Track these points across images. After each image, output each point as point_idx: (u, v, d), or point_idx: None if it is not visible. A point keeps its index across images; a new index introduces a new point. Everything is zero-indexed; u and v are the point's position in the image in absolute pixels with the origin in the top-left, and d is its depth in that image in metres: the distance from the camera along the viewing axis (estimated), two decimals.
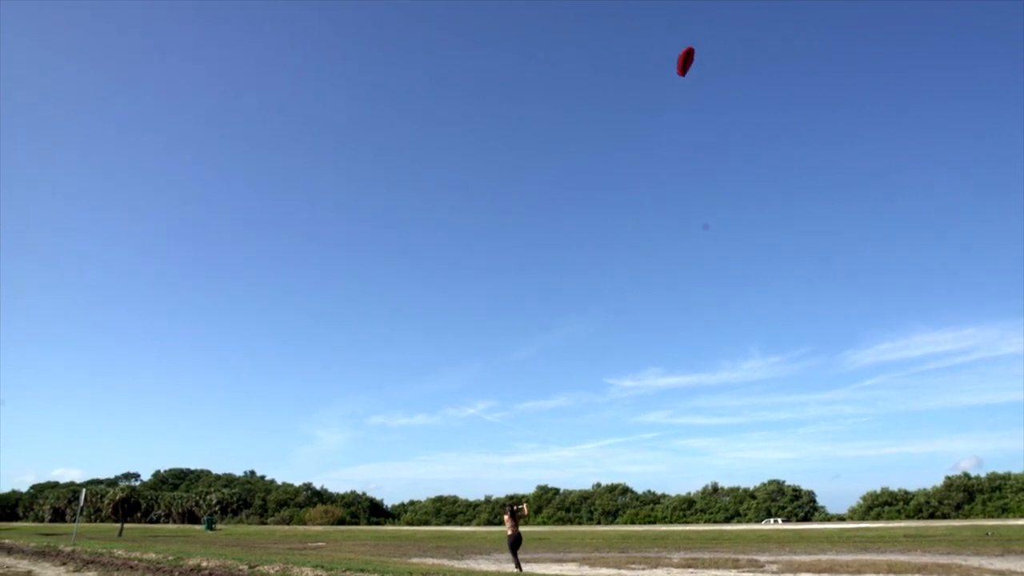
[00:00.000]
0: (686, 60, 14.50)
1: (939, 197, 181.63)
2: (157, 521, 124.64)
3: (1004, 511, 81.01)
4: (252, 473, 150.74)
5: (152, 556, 26.06)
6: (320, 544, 47.28)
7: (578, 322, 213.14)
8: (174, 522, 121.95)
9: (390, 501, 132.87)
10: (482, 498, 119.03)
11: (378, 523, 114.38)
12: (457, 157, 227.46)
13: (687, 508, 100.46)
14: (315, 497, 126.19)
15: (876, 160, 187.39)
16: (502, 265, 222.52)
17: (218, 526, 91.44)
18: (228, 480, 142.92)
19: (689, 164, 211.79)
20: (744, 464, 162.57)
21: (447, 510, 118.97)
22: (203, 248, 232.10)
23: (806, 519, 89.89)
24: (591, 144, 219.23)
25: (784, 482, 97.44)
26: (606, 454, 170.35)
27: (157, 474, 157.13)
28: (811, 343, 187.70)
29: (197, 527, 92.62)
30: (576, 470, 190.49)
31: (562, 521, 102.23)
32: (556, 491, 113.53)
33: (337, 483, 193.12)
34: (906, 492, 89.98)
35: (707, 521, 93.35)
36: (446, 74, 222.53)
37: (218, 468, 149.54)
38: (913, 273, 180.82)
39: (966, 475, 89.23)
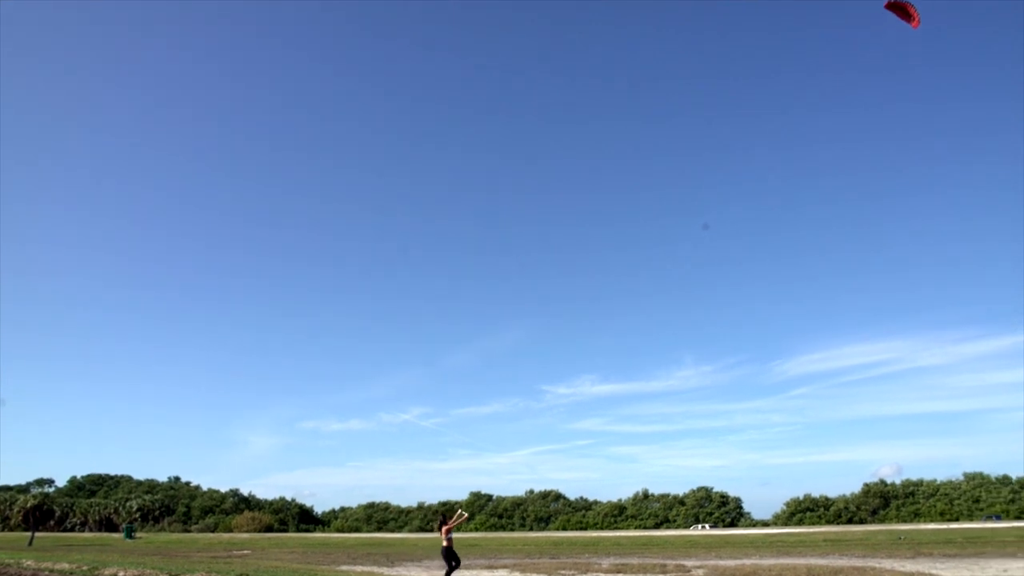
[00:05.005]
0: (902, 10, 13.43)
1: (866, 216, 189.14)
2: (72, 529, 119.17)
3: (916, 516, 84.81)
4: (176, 479, 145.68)
5: (65, 566, 24.98)
6: (246, 552, 46.10)
7: (515, 329, 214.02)
8: (91, 530, 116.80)
9: (322, 508, 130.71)
10: (415, 504, 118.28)
11: (308, 530, 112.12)
12: (395, 162, 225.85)
13: (618, 514, 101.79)
14: (242, 504, 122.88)
15: (805, 174, 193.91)
16: (438, 271, 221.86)
17: (138, 534, 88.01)
18: (150, 486, 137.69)
19: (627, 174, 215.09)
20: (675, 471, 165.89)
21: (379, 516, 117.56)
22: (124, 246, 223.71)
23: (733, 524, 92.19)
24: (529, 152, 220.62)
25: (712, 489, 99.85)
26: (540, 461, 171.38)
27: (73, 480, 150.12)
28: (743, 353, 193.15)
29: (115, 535, 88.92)
30: (510, 477, 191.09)
31: (495, 527, 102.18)
32: (489, 497, 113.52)
33: (267, 489, 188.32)
34: (827, 498, 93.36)
35: (637, 527, 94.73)
36: (396, 79, 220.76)
37: (140, 474, 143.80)
38: (841, 286, 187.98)
39: (882, 482, 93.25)
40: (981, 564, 24.46)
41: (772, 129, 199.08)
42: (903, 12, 13.54)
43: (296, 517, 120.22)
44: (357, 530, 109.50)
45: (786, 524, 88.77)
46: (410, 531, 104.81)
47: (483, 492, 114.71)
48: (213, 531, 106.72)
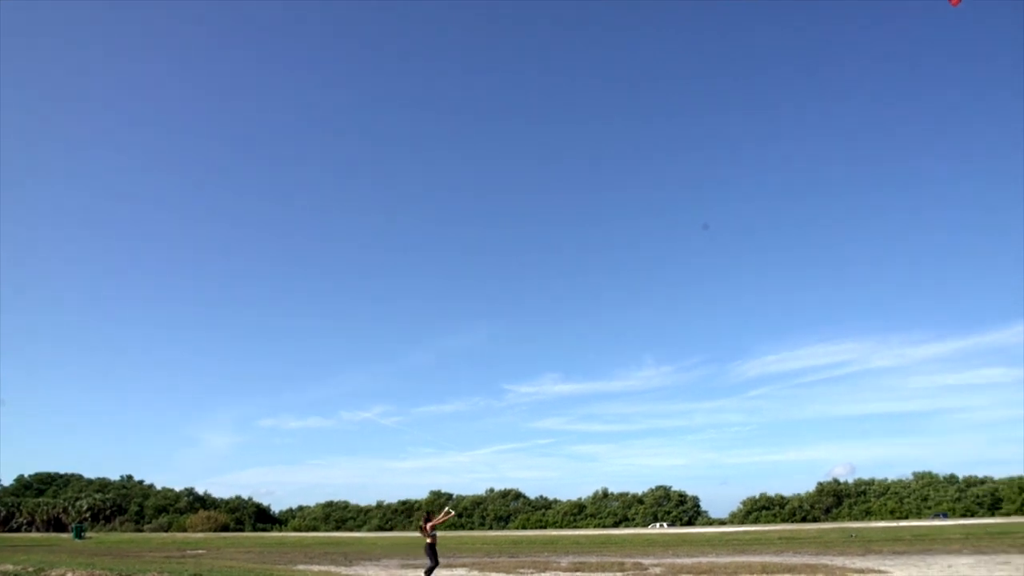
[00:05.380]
0: None
1: (823, 221, 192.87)
2: (18, 530, 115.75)
3: (868, 514, 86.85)
4: (129, 478, 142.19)
5: (9, 567, 24.25)
6: (200, 552, 45.28)
7: (478, 328, 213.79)
8: (38, 530, 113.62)
9: (280, 507, 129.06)
10: (374, 503, 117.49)
11: (264, 529, 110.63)
12: (358, 161, 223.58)
13: (578, 513, 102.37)
14: (197, 502, 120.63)
15: (762, 179, 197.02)
16: (401, 269, 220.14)
17: (88, 534, 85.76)
18: (102, 485, 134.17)
19: (591, 176, 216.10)
20: (634, 470, 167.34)
21: (337, 516, 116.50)
22: (76, 238, 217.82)
23: (690, 523, 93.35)
24: (494, 151, 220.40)
25: (671, 488, 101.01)
26: (501, 459, 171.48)
27: (20, 479, 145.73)
28: (703, 354, 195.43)
29: (64, 536, 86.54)
30: (471, 475, 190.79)
31: (454, 526, 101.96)
32: (450, 496, 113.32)
33: (223, 488, 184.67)
34: (782, 497, 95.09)
35: (596, 526, 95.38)
36: (361, 79, 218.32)
37: (91, 472, 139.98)
38: (799, 289, 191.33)
39: (835, 481, 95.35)
40: (928, 561, 25.10)
41: (739, 131, 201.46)
42: None
43: (253, 516, 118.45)
44: (315, 529, 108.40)
45: (742, 522, 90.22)
46: (369, 530, 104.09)
47: (443, 491, 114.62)
48: (167, 531, 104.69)
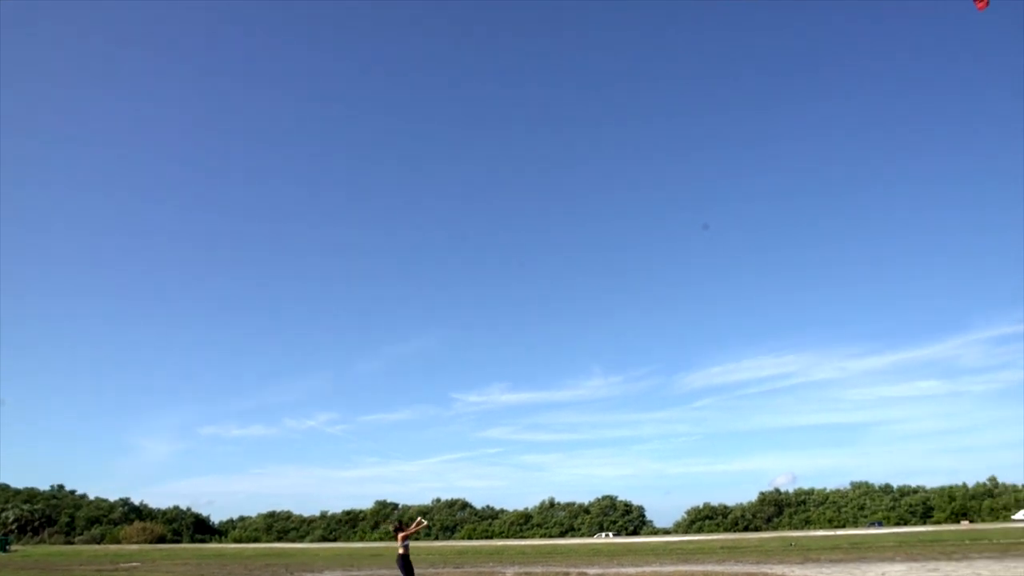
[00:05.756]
0: None
1: (767, 236, 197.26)
2: None
3: (807, 523, 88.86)
4: (60, 487, 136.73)
5: None
6: (134, 564, 43.76)
7: (427, 336, 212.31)
8: None
9: (221, 517, 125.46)
10: (317, 513, 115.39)
11: (203, 541, 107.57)
12: (307, 166, 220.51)
13: (524, 523, 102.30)
14: (133, 513, 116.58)
15: (711, 192, 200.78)
16: (348, 275, 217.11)
17: (14, 547, 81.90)
18: (29, 495, 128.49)
19: (539, 183, 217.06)
20: (581, 480, 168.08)
21: (280, 526, 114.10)
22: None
23: (635, 533, 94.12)
24: (442, 157, 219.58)
25: (617, 498, 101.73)
26: (448, 469, 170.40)
27: None
28: (651, 364, 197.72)
29: None
30: (417, 485, 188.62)
31: None
32: (395, 506, 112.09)
33: (161, 498, 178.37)
34: (725, 507, 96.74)
35: (543, 536, 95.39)
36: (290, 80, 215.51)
37: (18, 482, 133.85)
38: (744, 302, 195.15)
39: (777, 491, 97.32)
40: (863, 568, 25.73)
41: (687, 136, 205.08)
42: None
43: (191, 527, 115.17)
44: (256, 540, 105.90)
45: (686, 532, 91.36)
46: (312, 541, 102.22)
47: (389, 500, 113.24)
48: (99, 543, 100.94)
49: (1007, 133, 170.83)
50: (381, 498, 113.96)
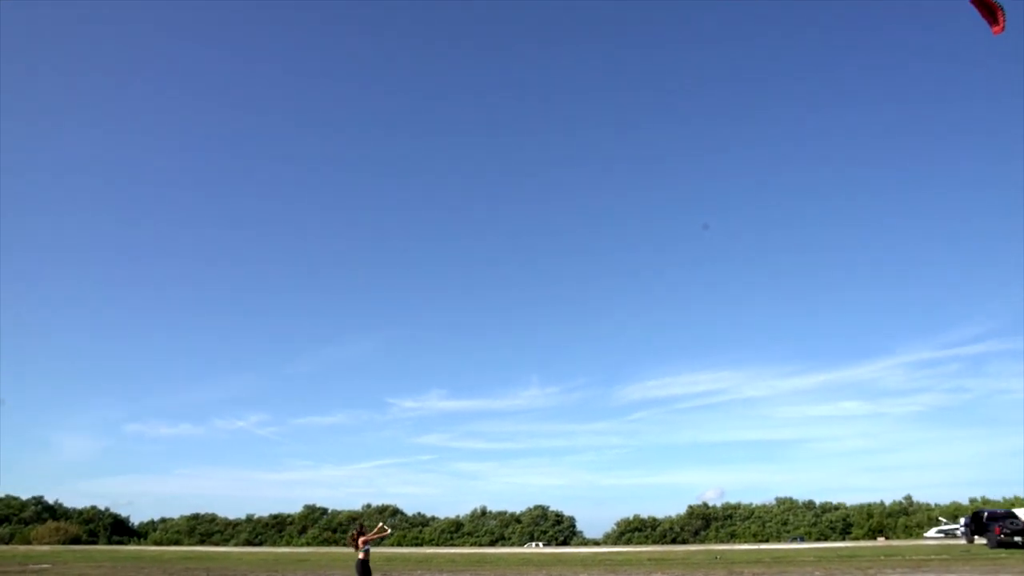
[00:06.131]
0: (988, 10, 12.23)
1: (703, 253, 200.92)
2: None
3: (733, 536, 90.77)
4: None
5: None
6: (45, 566, 41.89)
7: (364, 339, 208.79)
8: None
9: (142, 518, 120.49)
10: (243, 516, 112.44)
11: (121, 542, 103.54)
12: (249, 156, 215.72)
13: (455, 531, 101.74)
14: (46, 512, 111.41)
15: (651, 210, 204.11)
16: (286, 274, 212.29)
17: None
18: None
19: (478, 190, 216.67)
20: (514, 489, 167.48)
21: (203, 529, 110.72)
22: None
23: (566, 543, 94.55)
24: (387, 161, 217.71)
25: (549, 507, 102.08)
26: (381, 474, 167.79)
27: None
28: (588, 376, 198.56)
29: None
30: (348, 490, 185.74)
31: (328, 542, 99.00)
32: (324, 511, 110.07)
33: (79, 497, 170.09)
34: (655, 519, 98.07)
35: (473, 544, 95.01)
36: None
37: None
38: (682, 317, 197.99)
39: (705, 504, 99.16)
40: None
41: (633, 145, 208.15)
42: (989, 12, 12.59)
43: (109, 528, 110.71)
44: (178, 543, 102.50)
45: (616, 543, 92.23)
46: (236, 545, 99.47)
47: (318, 505, 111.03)
48: (7, 543, 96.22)
49: (940, 170, 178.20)
50: (310, 502, 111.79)
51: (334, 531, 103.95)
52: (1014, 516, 43.89)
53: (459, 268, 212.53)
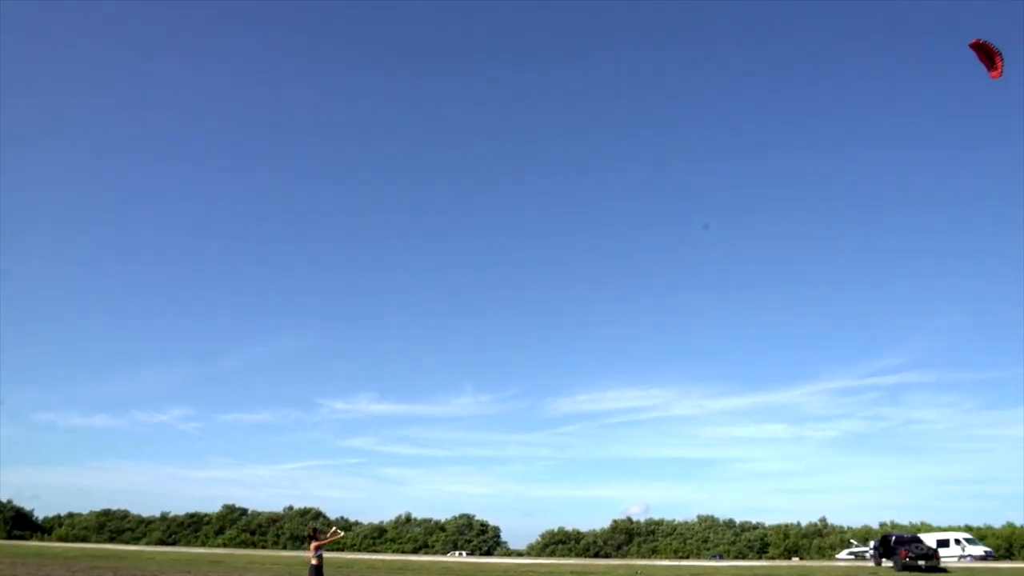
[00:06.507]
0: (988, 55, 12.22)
1: (640, 267, 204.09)
2: None
3: (654, 552, 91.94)
4: None
5: None
6: None
7: (296, 336, 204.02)
8: None
9: (48, 512, 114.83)
10: (158, 514, 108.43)
11: (23, 538, 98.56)
12: (177, 146, 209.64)
13: (378, 536, 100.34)
14: None
15: (592, 218, 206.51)
16: (218, 265, 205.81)
17: None
18: None
19: (417, 192, 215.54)
20: (441, 496, 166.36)
21: (114, 526, 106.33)
22: None
23: (489, 553, 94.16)
24: (312, 163, 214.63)
25: (474, 516, 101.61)
26: (306, 476, 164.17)
27: None
28: (521, 386, 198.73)
29: None
30: (271, 490, 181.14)
31: (245, 544, 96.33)
32: (244, 511, 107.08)
33: None
34: (579, 532, 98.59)
35: (396, 551, 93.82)
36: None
37: None
38: (619, 330, 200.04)
39: (629, 519, 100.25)
40: None
41: (578, 155, 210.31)
42: (988, 58, 12.87)
43: (9, 522, 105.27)
44: (85, 540, 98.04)
45: (539, 555, 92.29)
46: (149, 544, 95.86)
47: (237, 505, 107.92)
48: None
49: (868, 206, 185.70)
50: (230, 502, 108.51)
51: (253, 532, 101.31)
52: (919, 541, 45.73)
53: (397, 271, 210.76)
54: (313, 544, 18.05)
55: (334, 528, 19.80)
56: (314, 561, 17.94)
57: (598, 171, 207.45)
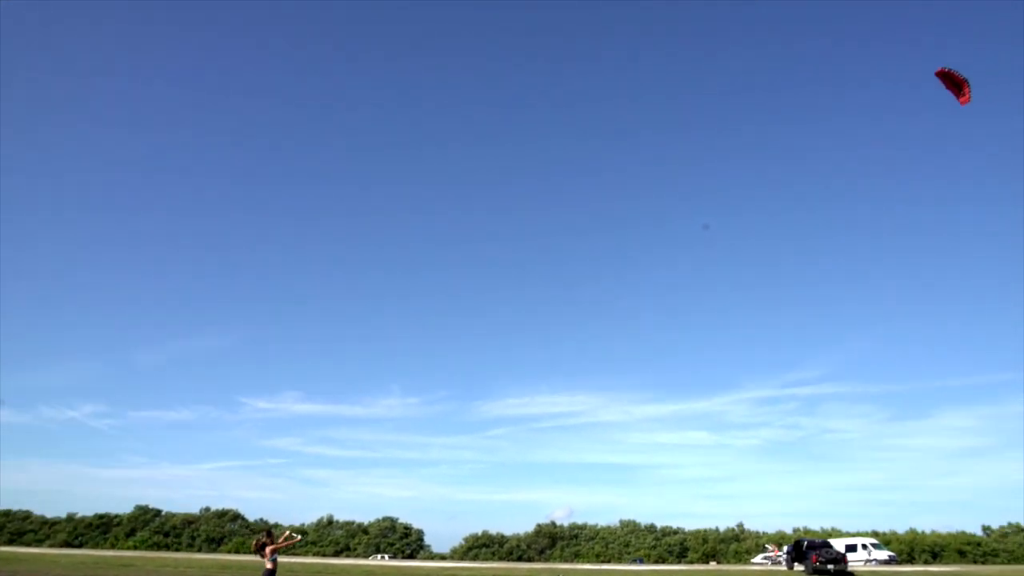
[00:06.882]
0: (954, 83, 12.44)
1: (570, 273, 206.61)
2: None
3: (577, 556, 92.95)
4: None
5: None
6: None
7: (218, 332, 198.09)
8: None
9: None
10: (63, 515, 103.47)
11: None
12: (106, 144, 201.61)
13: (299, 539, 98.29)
14: None
15: (525, 225, 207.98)
16: (134, 257, 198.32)
17: None
18: None
19: (355, 194, 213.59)
20: (365, 499, 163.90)
21: (14, 527, 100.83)
22: None
23: (412, 556, 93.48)
24: (252, 162, 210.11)
25: (398, 519, 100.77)
26: (225, 477, 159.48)
27: None
28: (449, 389, 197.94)
29: None
30: (187, 491, 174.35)
31: (158, 546, 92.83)
32: (158, 512, 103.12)
33: None
34: (502, 535, 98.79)
35: (316, 554, 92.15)
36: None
37: None
38: (546, 336, 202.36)
39: (553, 523, 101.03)
40: None
41: (523, 162, 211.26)
42: (955, 85, 13.22)
43: None
44: None
45: (462, 558, 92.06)
46: (53, 546, 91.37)
47: (151, 506, 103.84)
48: None
49: (796, 219, 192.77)
50: (143, 503, 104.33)
51: (167, 534, 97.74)
52: (829, 546, 47.50)
53: (325, 270, 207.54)
54: (268, 548, 17.62)
55: (288, 532, 19.36)
56: (269, 565, 17.51)
57: (556, 175, 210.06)
